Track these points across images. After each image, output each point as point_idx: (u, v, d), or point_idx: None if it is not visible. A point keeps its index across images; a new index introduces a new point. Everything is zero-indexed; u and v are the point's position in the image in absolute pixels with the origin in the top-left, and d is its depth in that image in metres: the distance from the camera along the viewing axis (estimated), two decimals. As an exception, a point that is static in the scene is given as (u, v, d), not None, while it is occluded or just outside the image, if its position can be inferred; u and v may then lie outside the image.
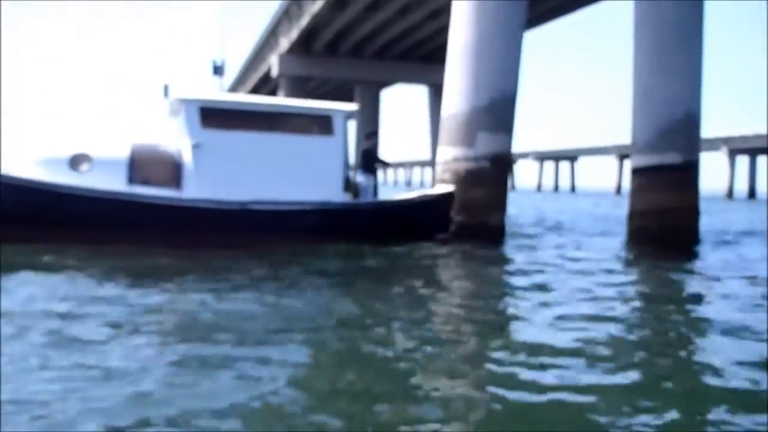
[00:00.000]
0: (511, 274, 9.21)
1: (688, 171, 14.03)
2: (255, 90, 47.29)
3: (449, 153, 13.25)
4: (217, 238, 9.97)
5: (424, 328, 5.67)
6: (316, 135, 11.49)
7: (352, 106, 12.14)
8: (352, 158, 13.67)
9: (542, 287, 7.75)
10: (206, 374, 3.98)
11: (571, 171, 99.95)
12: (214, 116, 11.08)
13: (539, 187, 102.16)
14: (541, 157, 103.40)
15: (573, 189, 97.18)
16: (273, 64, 35.03)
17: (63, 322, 5.15)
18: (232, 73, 51.13)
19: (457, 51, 13.45)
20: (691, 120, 14.17)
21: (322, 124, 11.51)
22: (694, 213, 14.10)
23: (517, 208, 28.80)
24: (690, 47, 14.18)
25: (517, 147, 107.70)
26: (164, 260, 8.56)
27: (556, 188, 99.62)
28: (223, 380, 3.89)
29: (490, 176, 13.01)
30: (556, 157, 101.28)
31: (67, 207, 9.80)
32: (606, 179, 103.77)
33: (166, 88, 11.17)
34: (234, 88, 53.38)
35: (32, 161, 10.23)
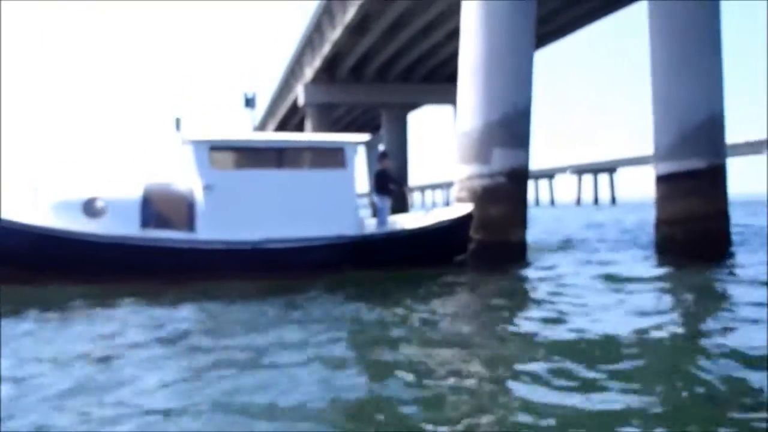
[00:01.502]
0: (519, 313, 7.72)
1: (714, 176, 13.62)
2: (285, 120, 47.80)
3: (465, 171, 13.09)
4: (231, 278, 9.79)
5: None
6: (328, 168, 11.37)
7: (364, 137, 12.06)
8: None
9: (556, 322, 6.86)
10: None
11: (611, 183, 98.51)
12: (224, 155, 11.08)
13: (578, 201, 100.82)
14: (579, 170, 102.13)
15: (613, 201, 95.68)
16: (299, 93, 35.38)
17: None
18: (263, 104, 51.90)
19: (468, 67, 13.34)
20: (715, 123, 13.79)
21: (334, 157, 11.38)
22: (722, 218, 13.66)
23: (549, 223, 28.41)
24: (707, 48, 13.84)
25: (553, 162, 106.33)
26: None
27: (596, 201, 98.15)
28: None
29: (507, 192, 12.79)
30: (595, 169, 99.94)
31: (82, 254, 9.80)
32: (647, 189, 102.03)
33: (177, 122, 11.25)
34: (265, 119, 54.06)
35: (45, 204, 10.24)
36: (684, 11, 13.73)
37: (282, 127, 49.72)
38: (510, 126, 12.90)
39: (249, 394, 4.36)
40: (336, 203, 11.20)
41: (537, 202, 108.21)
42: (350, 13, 25.31)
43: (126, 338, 6.22)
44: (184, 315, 7.49)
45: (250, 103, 13.57)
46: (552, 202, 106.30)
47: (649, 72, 14.41)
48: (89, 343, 6.04)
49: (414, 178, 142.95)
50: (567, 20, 26.70)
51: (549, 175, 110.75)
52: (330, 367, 5.03)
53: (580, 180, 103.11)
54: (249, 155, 11.26)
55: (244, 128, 13.06)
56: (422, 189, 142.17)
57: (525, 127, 13.20)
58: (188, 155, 10.77)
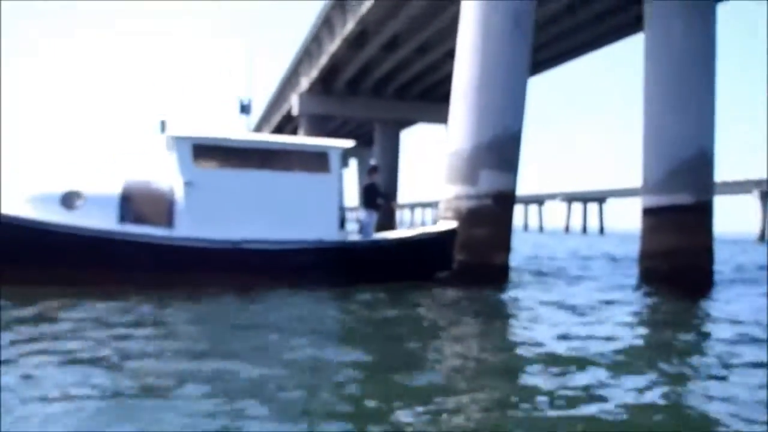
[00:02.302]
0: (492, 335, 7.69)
1: (700, 212, 13.62)
2: (279, 128, 47.67)
3: (452, 191, 13.03)
4: (208, 277, 9.75)
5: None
6: (311, 172, 11.27)
7: (349, 143, 11.98)
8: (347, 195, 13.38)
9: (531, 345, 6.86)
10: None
11: (600, 212, 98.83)
12: (207, 154, 10.94)
13: (567, 229, 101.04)
14: (569, 198, 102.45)
15: (602, 230, 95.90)
16: (294, 103, 35.29)
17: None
18: (258, 110, 51.78)
19: (461, 87, 13.30)
20: (704, 159, 13.80)
21: (318, 161, 11.31)
22: (706, 254, 13.64)
23: (536, 248, 28.36)
24: (701, 84, 13.89)
25: (544, 188, 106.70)
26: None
27: (585, 230, 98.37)
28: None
29: (492, 215, 12.73)
30: (584, 198, 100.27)
31: (57, 245, 9.63)
32: (636, 221, 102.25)
33: (162, 123, 11.09)
34: (259, 126, 53.93)
35: (24, 198, 10.10)
36: (680, 47, 13.77)
37: (276, 134, 49.62)
38: (499, 149, 12.85)
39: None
40: (318, 208, 11.13)
41: (526, 227, 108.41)
42: (349, 25, 25.29)
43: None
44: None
45: (245, 109, 13.43)
46: (541, 228, 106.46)
47: (642, 104, 14.44)
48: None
49: (405, 196, 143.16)
50: (565, 48, 26.78)
51: (539, 200, 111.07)
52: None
53: (569, 208, 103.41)
54: (232, 155, 11.12)
55: (238, 134, 12.88)
56: (412, 207, 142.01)
57: (514, 151, 13.15)
58: (171, 151, 10.70)
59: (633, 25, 21.59)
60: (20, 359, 5.22)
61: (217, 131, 11.25)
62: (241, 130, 12.91)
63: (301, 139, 12.38)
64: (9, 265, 9.17)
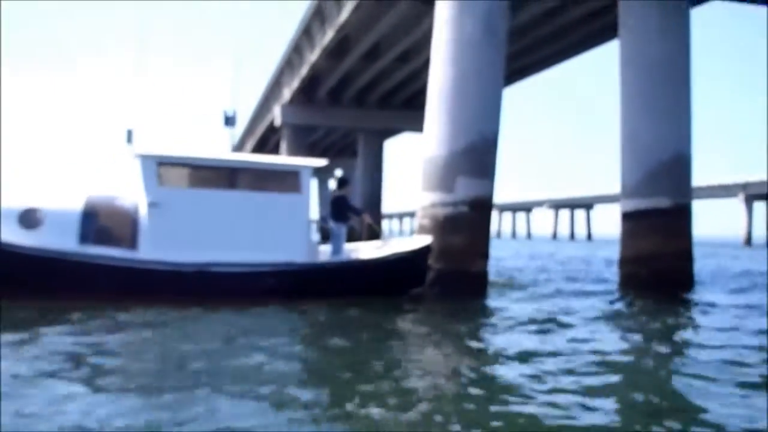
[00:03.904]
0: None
1: (679, 215, 13.56)
2: (263, 139, 47.45)
3: (428, 198, 12.87)
4: (172, 300, 9.25)
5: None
6: (282, 192, 10.92)
7: (321, 162, 11.72)
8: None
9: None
10: None
11: (587, 218, 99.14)
12: (173, 172, 10.59)
13: (555, 235, 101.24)
14: (556, 205, 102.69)
15: (589, 236, 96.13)
16: (276, 114, 35.11)
17: None
18: (243, 122, 51.56)
19: (436, 94, 13.18)
20: (681, 162, 13.76)
21: (288, 180, 10.96)
22: (685, 258, 13.57)
23: (521, 257, 28.28)
24: (677, 88, 13.86)
25: (531, 195, 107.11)
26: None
27: (572, 236, 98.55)
28: None
29: (469, 222, 12.57)
30: (572, 205, 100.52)
31: (13, 267, 9.23)
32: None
33: (129, 134, 10.83)
34: (244, 137, 53.71)
35: None
36: (655, 51, 13.74)
37: (260, 145, 49.38)
38: (475, 155, 12.71)
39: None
40: (288, 228, 10.76)
41: (514, 235, 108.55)
42: (328, 36, 25.15)
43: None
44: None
45: (229, 121, 13.18)
46: (528, 235, 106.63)
47: (619, 108, 14.38)
48: None
49: (393, 206, 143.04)
50: (544, 55, 26.76)
51: (526, 208, 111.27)
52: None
53: (557, 214, 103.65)
54: (200, 173, 10.81)
55: (222, 146, 12.59)
56: (401, 216, 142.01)
57: (491, 158, 13.02)
58: (136, 170, 10.28)
59: (614, 29, 21.61)
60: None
61: (184, 149, 10.81)
62: (224, 142, 12.65)
63: (271, 158, 12.01)
64: None
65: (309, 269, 10.76)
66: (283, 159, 11.84)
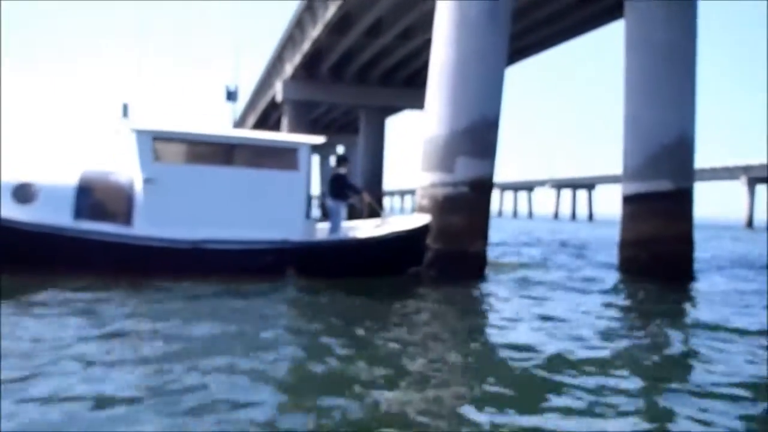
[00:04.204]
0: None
1: (680, 198, 13.45)
2: (264, 115, 47.21)
3: (428, 178, 12.75)
4: (166, 278, 9.17)
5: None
6: (279, 169, 10.80)
7: (319, 139, 11.56)
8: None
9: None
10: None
11: (589, 199, 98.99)
12: (169, 147, 10.46)
13: (556, 215, 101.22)
14: (558, 184, 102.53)
15: (591, 217, 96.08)
16: (278, 89, 34.87)
17: None
18: (245, 97, 51.22)
19: (437, 73, 13.01)
20: (684, 146, 13.62)
21: (286, 157, 10.81)
22: (686, 242, 13.48)
23: (520, 235, 28.22)
24: (681, 71, 13.67)
25: (534, 174, 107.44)
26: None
27: (574, 216, 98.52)
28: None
29: (469, 202, 12.47)
30: (574, 185, 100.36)
31: (6, 241, 9.17)
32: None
33: (125, 107, 10.69)
34: (245, 113, 53.46)
35: None
36: (660, 33, 13.55)
37: (262, 121, 49.15)
38: (476, 135, 12.58)
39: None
40: (285, 206, 10.64)
41: (515, 214, 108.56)
42: (330, 11, 24.90)
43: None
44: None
45: (231, 96, 13.08)
46: (530, 215, 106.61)
47: (623, 91, 14.23)
48: None
49: (394, 183, 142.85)
50: (545, 35, 26.48)
51: (528, 187, 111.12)
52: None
53: (558, 194, 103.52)
54: (196, 149, 10.67)
55: (224, 121, 12.47)
56: (402, 194, 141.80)
57: (492, 138, 12.89)
58: (131, 145, 10.16)
59: (614, 11, 21.33)
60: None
61: (180, 124, 10.74)
62: (226, 117, 12.51)
63: (269, 135, 11.87)
64: None
65: (305, 247, 10.68)
66: (281, 136, 11.65)
